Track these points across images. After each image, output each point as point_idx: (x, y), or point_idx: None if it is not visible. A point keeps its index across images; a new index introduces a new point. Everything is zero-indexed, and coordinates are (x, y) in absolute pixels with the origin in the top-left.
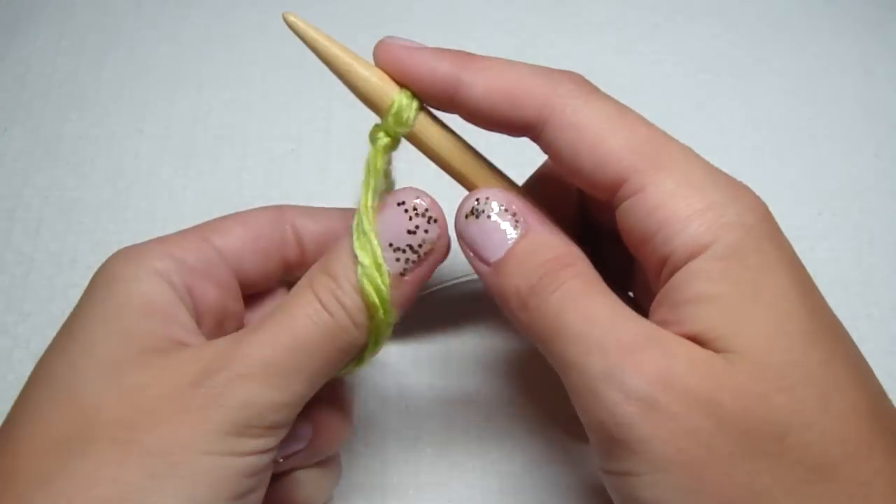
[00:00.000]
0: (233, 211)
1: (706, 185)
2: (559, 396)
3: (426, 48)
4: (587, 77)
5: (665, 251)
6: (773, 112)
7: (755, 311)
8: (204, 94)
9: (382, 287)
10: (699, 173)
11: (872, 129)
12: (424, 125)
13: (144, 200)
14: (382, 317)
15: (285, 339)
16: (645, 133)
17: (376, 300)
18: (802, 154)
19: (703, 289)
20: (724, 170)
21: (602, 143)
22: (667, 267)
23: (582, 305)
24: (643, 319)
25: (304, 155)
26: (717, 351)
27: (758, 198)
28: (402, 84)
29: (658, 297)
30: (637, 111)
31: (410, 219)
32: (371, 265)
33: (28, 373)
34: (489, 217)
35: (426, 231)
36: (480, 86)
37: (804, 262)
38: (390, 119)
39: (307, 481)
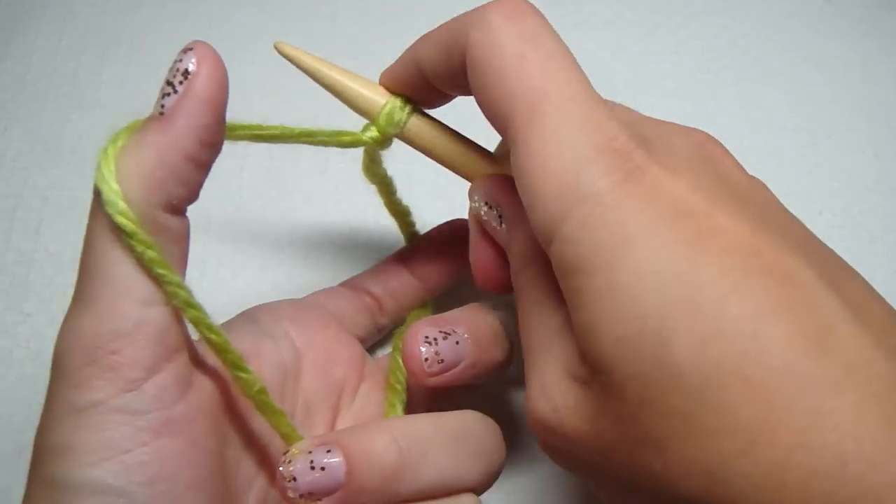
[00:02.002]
0: (232, 210)
1: (567, 145)
2: None
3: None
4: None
5: (533, 228)
6: (773, 112)
7: (610, 312)
8: None
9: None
10: (568, 129)
11: (872, 129)
12: (416, 125)
13: None
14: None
15: None
16: (535, 75)
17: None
18: (802, 154)
19: (566, 286)
20: None
21: (492, 88)
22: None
23: (521, 333)
24: (550, 344)
25: (304, 155)
26: (592, 368)
27: (629, 153)
28: (395, 93)
29: None
30: (574, 56)
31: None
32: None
33: (28, 373)
34: (485, 216)
35: (180, 61)
36: (425, 50)
37: None
38: (381, 120)
39: None
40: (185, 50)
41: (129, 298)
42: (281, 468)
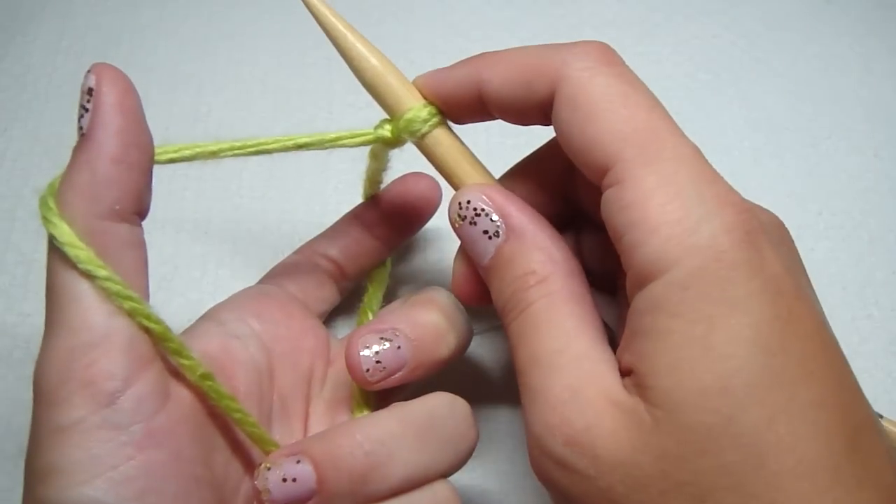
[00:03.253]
0: (233, 211)
1: (688, 191)
2: None
3: (452, 65)
4: None
5: (629, 259)
6: (773, 112)
7: (700, 361)
8: (204, 94)
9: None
10: (687, 176)
11: (872, 129)
12: (436, 138)
13: None
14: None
15: None
16: (643, 119)
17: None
18: (802, 154)
19: (654, 322)
20: (724, 170)
21: (593, 125)
22: (629, 278)
23: (533, 341)
24: (584, 360)
25: (304, 155)
26: (650, 402)
27: (746, 214)
28: (431, 100)
29: (628, 312)
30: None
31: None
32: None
33: (28, 373)
34: (472, 223)
35: (84, 84)
36: (497, 76)
37: (804, 262)
38: (400, 124)
39: None
40: (86, 74)
41: (95, 311)
42: (256, 482)
